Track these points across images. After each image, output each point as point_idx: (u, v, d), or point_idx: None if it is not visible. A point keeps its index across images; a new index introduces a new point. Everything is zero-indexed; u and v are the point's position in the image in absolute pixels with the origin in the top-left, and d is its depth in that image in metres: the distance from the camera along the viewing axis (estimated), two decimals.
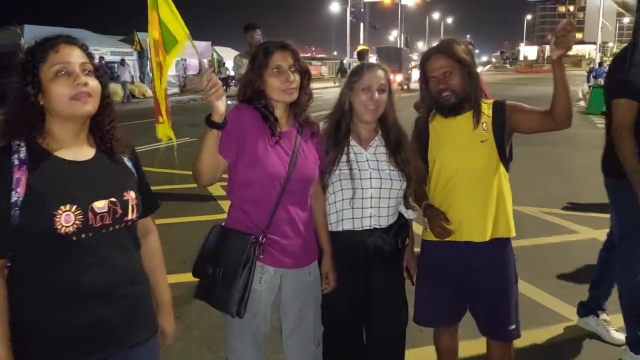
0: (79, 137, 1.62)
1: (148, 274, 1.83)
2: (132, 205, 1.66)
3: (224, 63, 30.58)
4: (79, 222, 1.52)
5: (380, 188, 2.37)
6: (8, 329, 1.52)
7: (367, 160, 2.40)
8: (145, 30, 2.49)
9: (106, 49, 24.39)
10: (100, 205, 1.58)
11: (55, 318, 1.54)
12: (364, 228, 2.38)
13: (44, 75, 1.53)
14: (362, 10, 42.37)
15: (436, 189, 2.47)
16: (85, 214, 1.53)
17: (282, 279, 2.24)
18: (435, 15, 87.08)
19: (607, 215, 3.41)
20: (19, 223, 1.48)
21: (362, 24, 42.58)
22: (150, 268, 1.85)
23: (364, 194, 2.36)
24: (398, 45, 43.76)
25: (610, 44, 62.30)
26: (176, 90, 27.08)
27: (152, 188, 1.87)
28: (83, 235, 1.53)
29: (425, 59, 2.45)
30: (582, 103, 20.58)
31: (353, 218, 2.37)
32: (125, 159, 1.74)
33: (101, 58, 21.89)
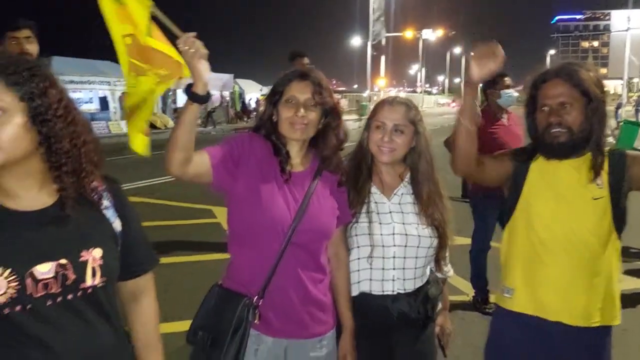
0: (26, 182, 1.28)
1: (138, 348, 1.48)
2: (94, 267, 1.31)
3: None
4: (14, 291, 1.20)
5: (405, 246, 1.99)
6: None
7: (390, 212, 2.03)
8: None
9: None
10: (45, 269, 1.24)
11: None
12: (385, 293, 2.01)
13: None
14: (383, 44, 42.70)
15: (517, 242, 1.97)
16: (22, 280, 1.21)
17: (287, 352, 1.86)
18: (457, 50, 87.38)
19: None
20: None
21: (382, 57, 42.89)
22: (139, 341, 1.51)
23: (385, 253, 1.98)
24: (418, 80, 43.89)
25: (636, 80, 61.87)
26: (198, 121, 27.35)
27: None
28: (18, 308, 1.21)
29: (540, 81, 1.93)
30: (611, 139, 20.04)
31: (371, 279, 2.01)
32: (105, 204, 1.38)
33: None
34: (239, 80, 34.18)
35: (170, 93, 27.06)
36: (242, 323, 1.73)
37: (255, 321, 1.76)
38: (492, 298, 2.06)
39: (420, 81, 66.82)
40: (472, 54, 1.83)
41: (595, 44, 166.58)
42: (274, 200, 1.80)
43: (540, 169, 1.96)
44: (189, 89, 1.62)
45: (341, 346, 1.97)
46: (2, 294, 1.18)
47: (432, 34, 49.54)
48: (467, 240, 4.34)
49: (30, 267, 1.23)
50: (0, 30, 3.34)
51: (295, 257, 1.80)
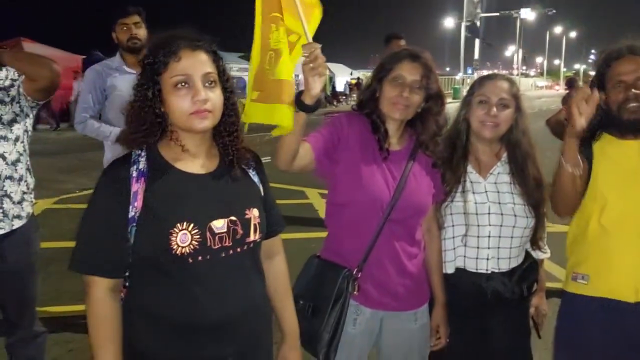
0: (200, 148, 1.47)
1: (272, 301, 1.64)
2: (255, 224, 1.48)
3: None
4: (196, 243, 1.36)
5: (500, 226, 1.99)
6: (120, 354, 1.40)
7: (486, 192, 2.03)
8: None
9: (228, 65, 25.76)
10: (219, 224, 1.41)
11: (164, 353, 1.41)
12: (479, 271, 2.02)
13: (164, 84, 1.38)
14: (478, 25, 40.96)
15: (589, 227, 1.93)
16: (202, 233, 1.37)
17: (383, 323, 1.96)
18: (557, 29, 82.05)
19: None
20: (135, 241, 1.36)
21: (476, 40, 41.22)
22: (274, 294, 1.66)
23: (481, 232, 2.00)
24: (515, 62, 41.87)
25: None
26: None
27: None
28: (200, 258, 1.37)
29: (612, 58, 1.90)
30: None
31: (465, 256, 2.03)
32: (251, 172, 1.57)
33: None
34: (329, 64, 34.29)
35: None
36: (343, 293, 1.83)
37: (355, 292, 1.86)
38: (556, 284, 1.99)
39: (517, 63, 63.64)
40: (569, 104, 1.82)
41: None
42: (374, 177, 1.86)
43: (605, 150, 1.93)
44: (298, 97, 1.61)
45: (434, 318, 2.04)
46: (187, 245, 1.36)
47: (531, 13, 46.86)
48: (567, 228, 4.23)
49: (208, 222, 1.40)
50: (111, 18, 3.34)
51: (392, 232, 1.88)
